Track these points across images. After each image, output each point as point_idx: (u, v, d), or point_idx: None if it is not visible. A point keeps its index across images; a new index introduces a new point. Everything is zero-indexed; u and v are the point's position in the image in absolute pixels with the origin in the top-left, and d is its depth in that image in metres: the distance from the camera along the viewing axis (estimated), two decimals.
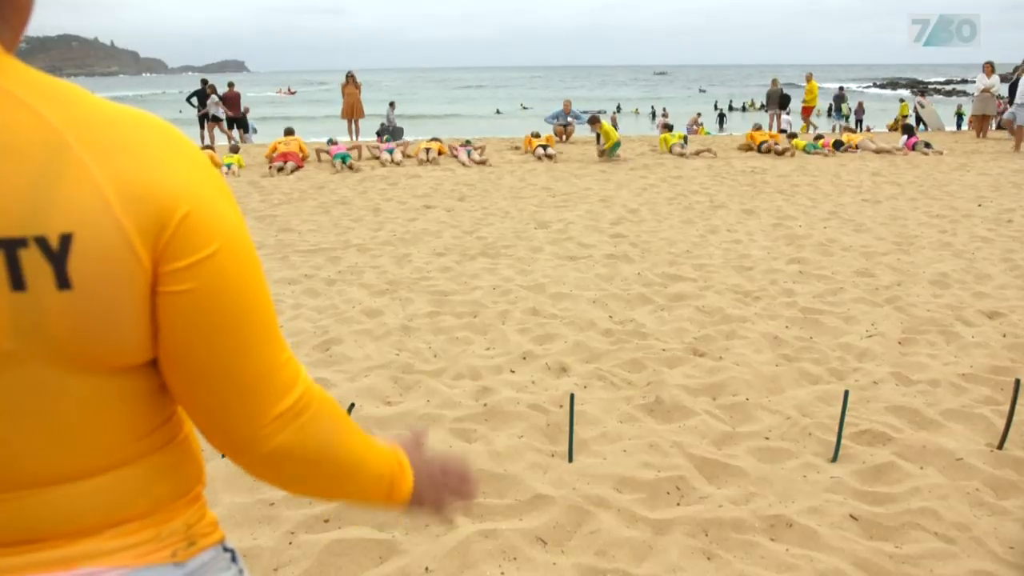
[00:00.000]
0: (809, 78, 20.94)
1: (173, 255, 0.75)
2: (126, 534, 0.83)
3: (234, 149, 13.62)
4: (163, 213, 0.74)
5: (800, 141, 15.04)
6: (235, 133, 19.34)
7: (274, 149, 13.41)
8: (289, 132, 14.32)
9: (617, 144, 13.65)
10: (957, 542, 2.64)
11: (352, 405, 3.51)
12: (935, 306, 5.28)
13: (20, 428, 0.75)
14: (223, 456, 1.00)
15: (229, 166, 12.66)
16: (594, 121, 14.05)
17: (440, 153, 14.13)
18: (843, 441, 3.32)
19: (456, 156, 13.63)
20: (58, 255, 0.69)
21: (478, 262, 6.73)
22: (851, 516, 2.79)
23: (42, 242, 0.68)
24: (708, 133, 22.91)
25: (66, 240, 0.69)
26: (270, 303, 0.86)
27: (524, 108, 48.65)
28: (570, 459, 3.23)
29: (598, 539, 2.66)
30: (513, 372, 4.24)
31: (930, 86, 70.65)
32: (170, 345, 0.79)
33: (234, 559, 0.96)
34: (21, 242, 0.68)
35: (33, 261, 0.68)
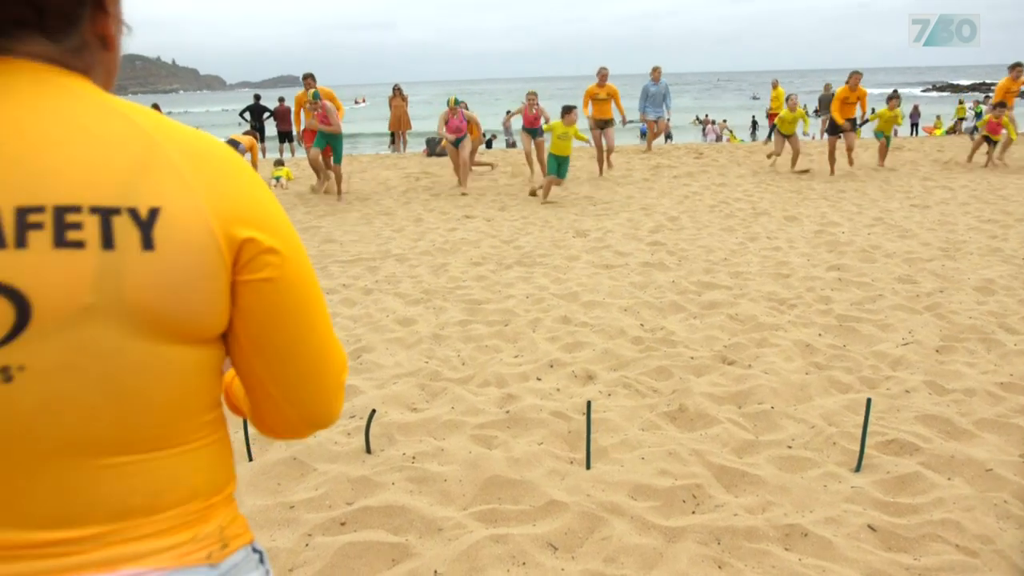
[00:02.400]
0: (775, 85, 20.14)
1: (251, 249, 0.87)
2: (166, 534, 0.87)
3: (279, 163, 13.93)
4: (240, 209, 0.86)
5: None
6: (284, 147, 19.86)
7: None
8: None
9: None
10: (979, 555, 2.57)
11: (373, 412, 3.57)
12: (977, 313, 5.13)
13: (83, 386, 0.80)
14: (280, 439, 1.08)
15: (278, 179, 12.97)
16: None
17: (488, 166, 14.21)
18: (869, 451, 3.27)
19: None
20: (146, 222, 0.79)
21: (514, 271, 6.77)
22: (869, 527, 2.74)
23: (133, 212, 0.80)
24: (741, 141, 22.48)
25: (154, 212, 0.80)
26: (322, 293, 0.99)
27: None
28: (588, 466, 3.24)
29: (608, 546, 2.66)
30: (539, 380, 4.26)
31: (992, 87, 68.43)
32: (251, 326, 0.90)
33: (262, 560, 1.00)
34: (115, 211, 0.79)
35: (124, 226, 0.79)
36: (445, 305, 5.75)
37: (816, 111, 27.97)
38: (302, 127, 12.43)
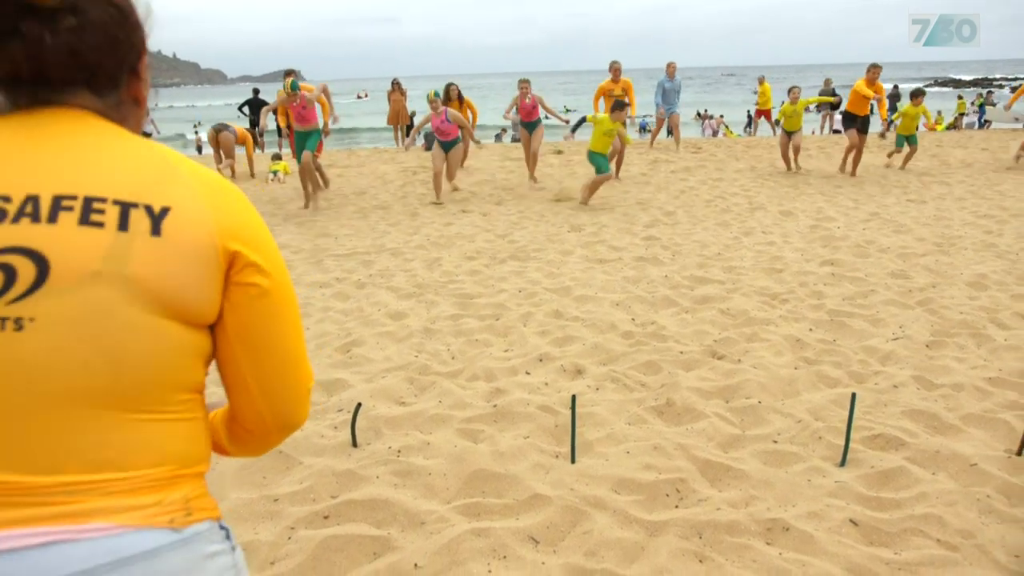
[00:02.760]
0: (761, 80, 20.00)
1: (241, 260, 1.04)
2: (134, 493, 0.96)
3: (276, 157, 13.91)
4: (238, 227, 1.04)
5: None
6: (283, 140, 19.84)
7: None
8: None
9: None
10: (960, 549, 2.57)
11: (359, 405, 3.57)
12: (969, 308, 5.13)
13: (82, 339, 0.92)
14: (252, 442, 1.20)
15: (275, 173, 12.95)
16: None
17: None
18: (854, 446, 3.26)
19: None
20: (157, 216, 0.97)
21: (507, 265, 6.76)
22: (851, 521, 2.74)
23: (148, 207, 0.98)
24: (738, 136, 22.37)
25: (165, 209, 0.98)
26: (298, 310, 1.16)
27: (568, 110, 48.52)
28: (572, 460, 3.24)
29: (590, 539, 2.66)
30: (528, 374, 4.26)
31: (995, 83, 68.23)
32: (237, 320, 1.05)
33: (228, 536, 1.07)
34: (133, 205, 0.97)
35: (138, 216, 0.96)
36: (437, 299, 5.75)
37: (817, 107, 27.91)
38: (276, 126, 12.08)
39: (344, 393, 4.05)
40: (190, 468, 1.03)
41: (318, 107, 9.89)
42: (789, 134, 12.09)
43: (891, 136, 12.93)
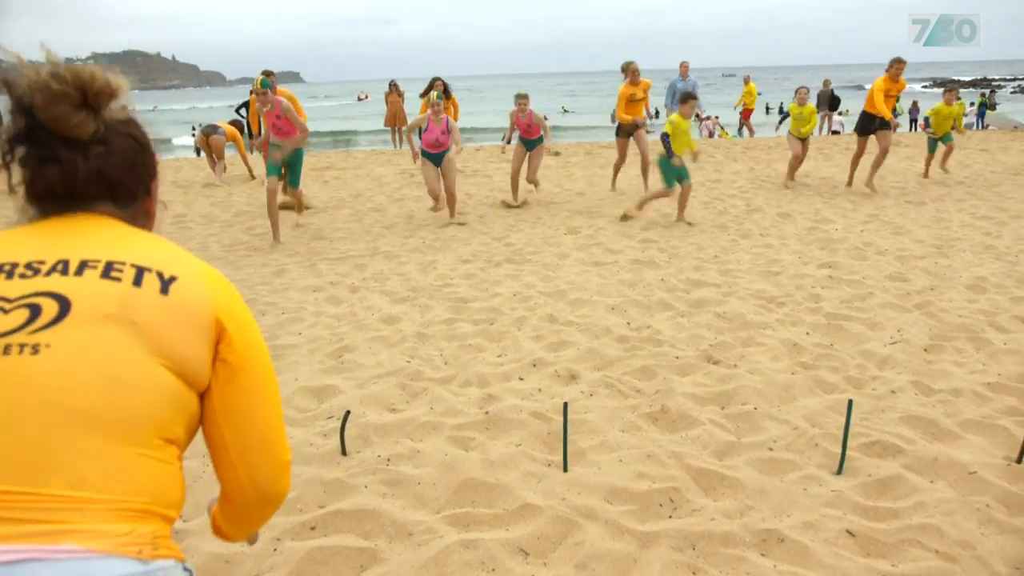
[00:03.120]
0: (747, 80, 19.90)
1: (227, 338, 1.18)
2: (108, 519, 1.01)
3: None
4: (229, 308, 1.20)
5: None
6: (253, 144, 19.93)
7: None
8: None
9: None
10: (959, 560, 2.52)
11: (347, 413, 3.52)
12: (968, 311, 5.08)
13: (87, 366, 1.05)
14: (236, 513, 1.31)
15: None
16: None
17: None
18: (851, 453, 3.21)
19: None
20: (166, 281, 1.14)
21: (502, 268, 6.71)
22: (848, 532, 2.68)
23: (160, 274, 1.15)
24: (733, 137, 22.22)
25: (173, 277, 1.16)
26: (277, 389, 1.28)
27: (565, 111, 48.48)
28: (564, 469, 3.19)
29: (581, 551, 2.61)
30: (521, 379, 4.21)
31: (994, 83, 68.19)
32: (220, 394, 1.19)
33: None
34: (148, 269, 1.15)
35: (151, 278, 1.14)
36: (431, 303, 5.69)
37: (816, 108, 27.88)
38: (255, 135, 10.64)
39: (335, 399, 4.00)
40: (162, 507, 1.09)
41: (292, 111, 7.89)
42: (801, 140, 10.86)
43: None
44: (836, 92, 21.39)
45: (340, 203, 10.57)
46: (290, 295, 6.09)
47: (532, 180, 10.16)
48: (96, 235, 1.18)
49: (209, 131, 13.37)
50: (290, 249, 7.77)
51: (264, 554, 2.67)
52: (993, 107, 25.14)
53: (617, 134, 10.92)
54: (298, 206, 9.03)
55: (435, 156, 8.70)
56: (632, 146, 11.25)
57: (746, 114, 19.97)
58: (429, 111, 8.53)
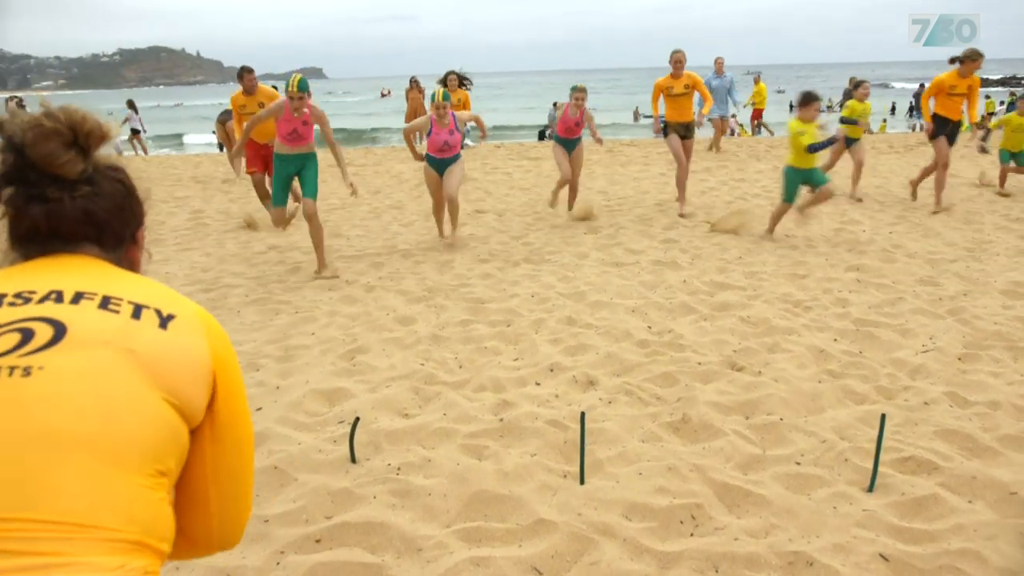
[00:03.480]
0: (757, 80, 19.52)
1: (221, 392, 1.18)
2: (100, 551, 0.96)
3: None
4: (225, 362, 1.20)
5: None
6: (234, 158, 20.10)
7: None
8: None
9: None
10: None
11: (357, 419, 3.41)
12: (1004, 318, 4.88)
13: (82, 389, 1.02)
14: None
15: None
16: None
17: None
18: (883, 469, 3.05)
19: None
20: (165, 318, 1.13)
21: (520, 268, 6.58)
22: (881, 556, 2.53)
23: (158, 311, 1.14)
24: (750, 135, 21.83)
25: (172, 315, 1.15)
26: (253, 443, 1.29)
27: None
28: (581, 481, 3.06)
29: (597, 572, 2.48)
30: (538, 385, 4.08)
31: (1023, 81, 66.97)
32: (213, 443, 1.19)
33: None
34: (146, 307, 1.14)
35: (149, 314, 1.13)
36: (447, 304, 5.58)
37: (840, 105, 27.44)
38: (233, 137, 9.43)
39: (346, 403, 3.89)
40: (154, 540, 1.05)
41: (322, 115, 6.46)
42: (850, 144, 9.42)
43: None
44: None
45: (358, 200, 10.47)
46: (304, 293, 6.00)
47: (574, 185, 8.78)
48: (87, 272, 1.16)
49: (224, 118, 13.26)
50: (305, 246, 7.68)
51: (267, 568, 2.57)
52: None
53: (665, 133, 8.93)
54: (282, 221, 6.91)
55: (442, 162, 7.24)
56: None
57: (756, 114, 19.69)
58: (431, 112, 7.13)
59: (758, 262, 6.55)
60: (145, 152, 20.97)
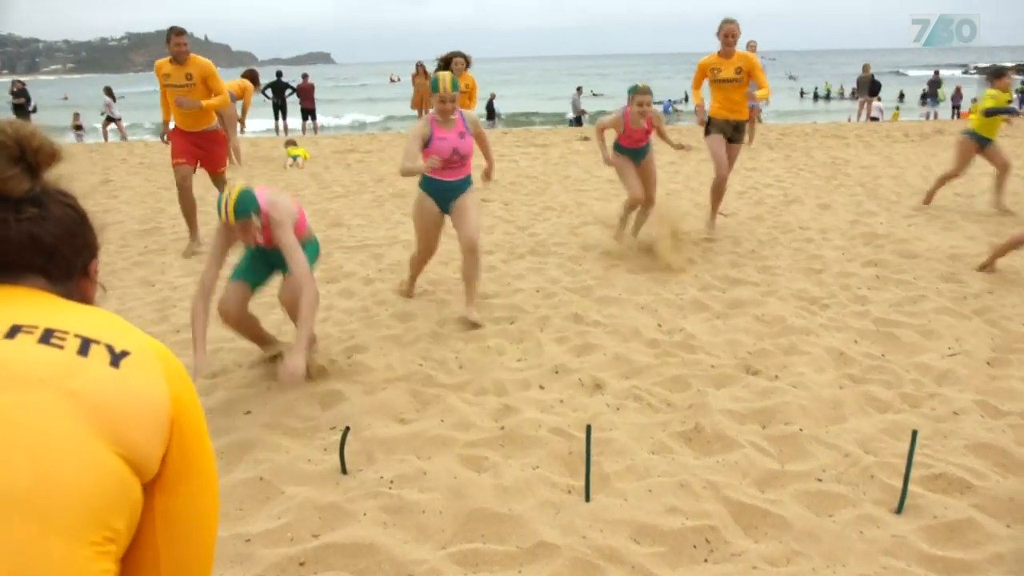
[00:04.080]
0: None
1: (182, 439, 1.04)
2: None
3: (291, 143, 13.49)
4: (186, 406, 1.06)
5: None
6: (308, 124, 19.86)
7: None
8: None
9: None
10: None
11: (347, 429, 3.21)
12: None
13: (12, 438, 0.87)
14: None
15: (295, 158, 12.63)
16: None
17: None
18: (912, 488, 2.83)
19: None
20: (117, 355, 1.00)
21: (525, 261, 6.36)
22: None
23: (109, 347, 1.01)
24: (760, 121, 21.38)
25: (125, 352, 1.01)
26: (217, 498, 1.14)
27: (595, 95, 47.62)
28: (587, 498, 2.85)
29: None
30: (542, 388, 3.87)
31: None
32: (165, 496, 1.03)
33: None
34: (95, 341, 1.00)
35: (99, 349, 0.99)
36: (448, 298, 5.37)
37: (853, 93, 27.04)
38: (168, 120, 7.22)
39: (340, 406, 3.69)
40: None
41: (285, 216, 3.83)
42: (981, 142, 7.92)
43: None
44: (876, 77, 20.69)
45: (362, 188, 10.26)
46: None
47: (651, 200, 6.61)
48: (28, 303, 1.03)
49: None
50: None
51: None
52: None
53: (707, 132, 7.07)
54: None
55: (448, 188, 4.79)
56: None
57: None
58: (432, 109, 4.71)
59: (772, 255, 6.31)
60: (124, 138, 21.24)
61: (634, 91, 6.11)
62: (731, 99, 6.85)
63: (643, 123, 6.13)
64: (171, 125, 7.15)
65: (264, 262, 4.11)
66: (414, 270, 5.36)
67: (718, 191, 7.14)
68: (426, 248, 5.12)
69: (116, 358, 0.99)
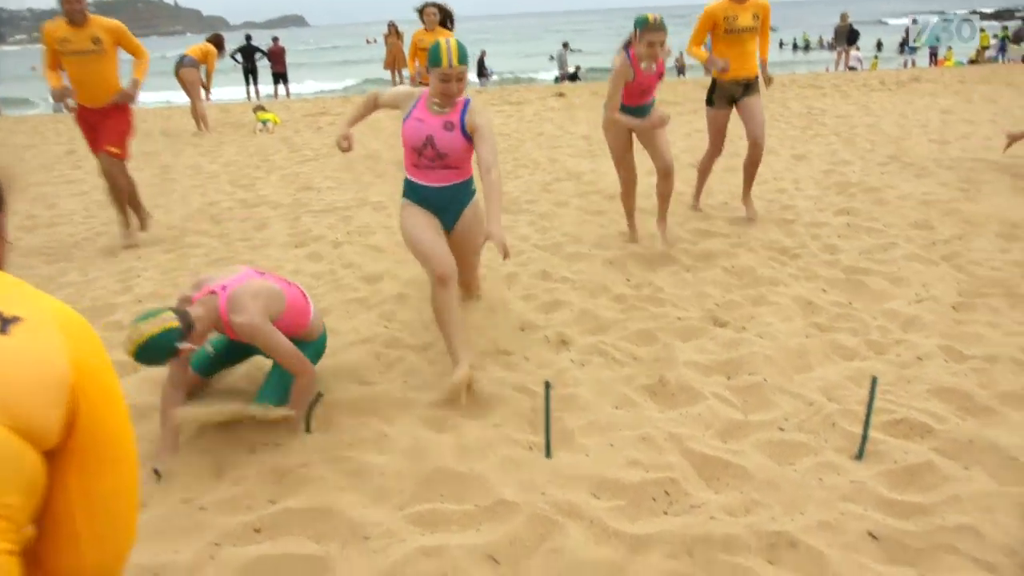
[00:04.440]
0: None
1: (89, 404, 1.00)
2: None
3: (259, 108, 13.23)
4: (92, 371, 1.02)
5: None
6: (280, 88, 19.52)
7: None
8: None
9: None
10: (1000, 570, 2.15)
11: (319, 395, 3.17)
12: (1001, 263, 4.63)
13: None
14: None
15: (265, 123, 12.40)
16: None
17: None
18: (873, 433, 2.82)
19: None
20: (6, 320, 0.97)
21: None
22: (870, 534, 2.31)
23: None
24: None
25: (16, 318, 0.97)
26: (134, 448, 1.10)
27: (572, 51, 46.93)
28: (547, 454, 2.82)
29: (559, 560, 2.25)
30: (506, 349, 3.82)
31: (1018, 14, 65.67)
32: (74, 465, 1.00)
33: None
34: None
35: None
36: (413, 260, 5.28)
37: (831, 44, 26.78)
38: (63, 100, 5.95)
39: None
40: None
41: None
42: None
43: None
44: (855, 26, 20.52)
45: (332, 151, 10.10)
46: (269, 252, 5.71)
47: (669, 164, 5.35)
48: None
49: (178, 65, 12.48)
50: (275, 201, 7.35)
51: (199, 563, 2.33)
52: (1018, 41, 24.04)
53: (710, 101, 6.06)
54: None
55: (441, 195, 3.64)
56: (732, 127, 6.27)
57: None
58: (432, 88, 3.47)
59: (743, 207, 6.25)
60: None
61: (643, 25, 4.63)
62: (746, 52, 5.61)
63: (654, 67, 4.85)
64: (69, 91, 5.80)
65: (240, 350, 3.41)
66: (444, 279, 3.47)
67: (705, 167, 6.30)
68: (432, 262, 3.50)
69: (4, 323, 0.96)
